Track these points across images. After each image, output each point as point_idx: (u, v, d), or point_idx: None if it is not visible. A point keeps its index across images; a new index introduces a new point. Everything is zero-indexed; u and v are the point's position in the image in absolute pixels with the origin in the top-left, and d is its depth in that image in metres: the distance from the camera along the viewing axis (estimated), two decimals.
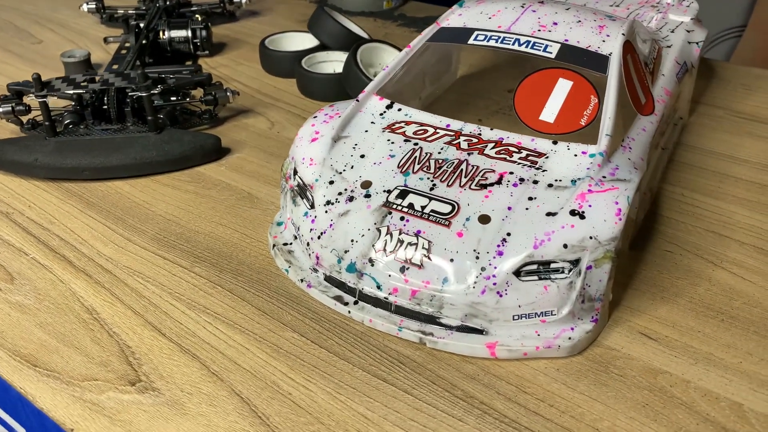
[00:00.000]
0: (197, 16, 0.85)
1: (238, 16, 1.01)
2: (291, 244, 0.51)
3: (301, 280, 0.48)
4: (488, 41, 0.55)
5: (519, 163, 0.47)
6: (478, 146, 0.49)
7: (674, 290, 0.48)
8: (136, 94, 0.64)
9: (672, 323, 0.45)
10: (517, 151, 0.48)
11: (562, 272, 0.43)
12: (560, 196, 0.44)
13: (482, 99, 0.68)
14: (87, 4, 0.95)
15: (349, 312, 0.46)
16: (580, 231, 0.42)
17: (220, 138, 0.65)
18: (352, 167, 0.49)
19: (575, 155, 0.47)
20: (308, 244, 0.48)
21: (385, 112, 0.54)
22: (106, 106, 0.66)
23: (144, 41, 0.80)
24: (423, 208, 0.45)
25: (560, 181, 0.46)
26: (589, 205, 0.43)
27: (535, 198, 0.45)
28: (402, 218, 0.45)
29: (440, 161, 0.48)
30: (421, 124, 0.52)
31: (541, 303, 0.43)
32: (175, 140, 0.63)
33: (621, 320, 0.46)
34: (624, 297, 0.48)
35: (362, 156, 0.50)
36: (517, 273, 0.43)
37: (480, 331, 0.43)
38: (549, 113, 0.50)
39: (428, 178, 0.47)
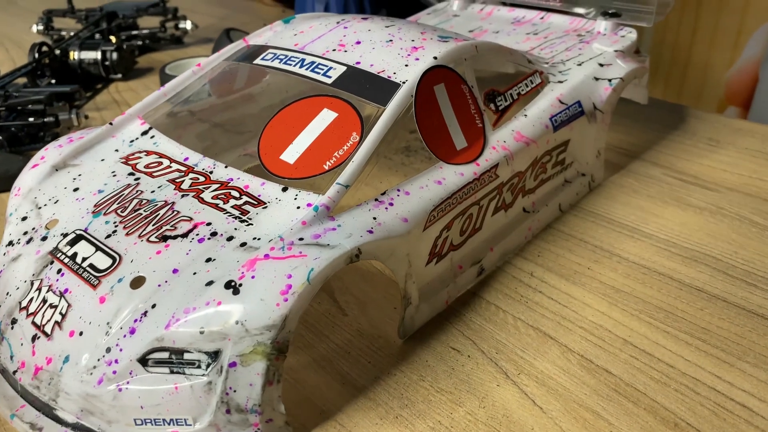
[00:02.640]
0: (111, 37, 0.80)
1: (187, 42, 0.96)
2: None
3: None
4: (272, 61, 0.44)
5: (227, 213, 0.36)
6: (201, 187, 0.38)
7: (420, 408, 0.34)
8: None
9: None
10: (237, 196, 0.37)
11: (198, 367, 0.30)
12: (240, 260, 0.32)
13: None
14: (36, 25, 0.94)
15: None
16: (225, 312, 0.30)
17: None
18: (56, 202, 0.40)
19: (298, 207, 0.35)
20: None
21: (137, 138, 0.44)
22: None
23: (47, 60, 0.76)
24: (84, 260, 0.35)
25: (259, 239, 0.34)
26: (253, 277, 0.31)
27: (215, 260, 0.33)
28: (59, 271, 0.35)
29: (144, 202, 0.38)
30: (161, 156, 0.42)
31: (170, 407, 0.31)
32: None
33: None
34: (347, 408, 0.34)
35: (76, 189, 0.41)
36: (145, 361, 0.31)
37: None
38: (293, 152, 0.38)
39: (114, 223, 0.37)
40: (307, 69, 0.42)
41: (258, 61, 0.45)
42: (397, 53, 0.42)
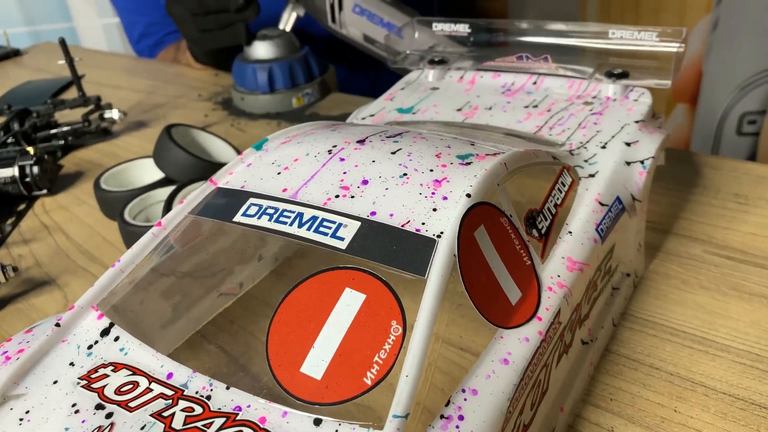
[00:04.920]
0: (29, 149, 0.68)
1: (116, 131, 0.84)
2: None
3: None
4: (259, 218, 0.35)
5: None
6: (200, 424, 0.28)
7: None
8: None
9: None
10: None
11: None
12: None
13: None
14: None
15: None
16: None
17: None
18: None
19: None
20: None
21: (96, 342, 0.34)
22: None
23: None
24: None
25: None
26: None
27: None
28: None
29: None
30: (134, 371, 0.32)
31: None
32: None
33: None
34: None
35: None
36: None
37: None
38: (317, 361, 0.29)
39: None
40: (308, 229, 0.33)
41: (239, 217, 0.35)
42: (418, 192, 0.33)
